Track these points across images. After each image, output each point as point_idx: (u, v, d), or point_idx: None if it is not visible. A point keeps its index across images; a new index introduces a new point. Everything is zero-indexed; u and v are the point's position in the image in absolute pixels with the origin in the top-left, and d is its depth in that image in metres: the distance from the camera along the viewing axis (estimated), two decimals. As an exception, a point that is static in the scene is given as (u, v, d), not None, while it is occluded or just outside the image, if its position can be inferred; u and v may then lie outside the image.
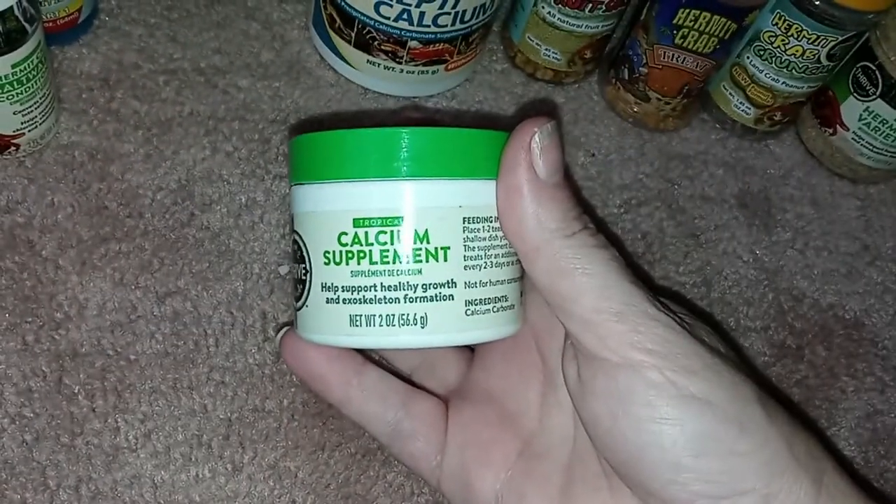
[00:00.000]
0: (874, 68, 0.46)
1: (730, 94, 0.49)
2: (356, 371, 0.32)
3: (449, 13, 0.42)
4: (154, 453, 0.36)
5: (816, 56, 0.46)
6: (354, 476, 0.37)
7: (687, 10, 0.44)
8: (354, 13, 0.43)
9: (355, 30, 0.43)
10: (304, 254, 0.28)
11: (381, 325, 0.27)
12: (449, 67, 0.45)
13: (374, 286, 0.27)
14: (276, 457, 0.37)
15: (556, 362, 0.31)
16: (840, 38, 0.45)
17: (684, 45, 0.45)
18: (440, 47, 0.44)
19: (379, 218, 0.27)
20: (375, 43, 0.43)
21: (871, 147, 0.49)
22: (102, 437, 0.36)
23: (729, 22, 0.44)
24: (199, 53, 0.46)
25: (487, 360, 0.33)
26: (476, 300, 0.27)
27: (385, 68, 0.45)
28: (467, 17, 0.43)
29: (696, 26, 0.44)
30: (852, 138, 0.49)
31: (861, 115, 0.48)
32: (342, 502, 0.36)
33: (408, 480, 0.37)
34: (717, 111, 0.51)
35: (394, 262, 0.27)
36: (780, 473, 0.26)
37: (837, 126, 0.50)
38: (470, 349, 0.35)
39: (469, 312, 0.27)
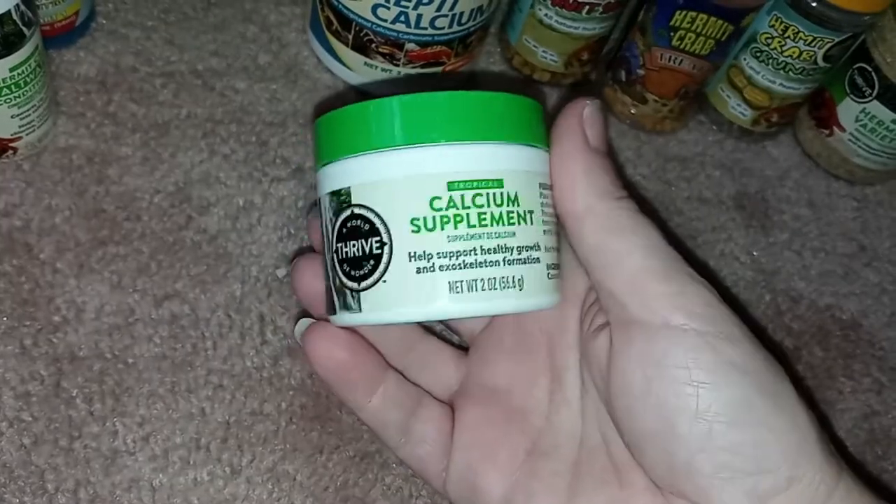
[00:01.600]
0: (870, 70, 0.47)
1: (727, 95, 0.50)
2: (381, 377, 0.31)
3: (446, 15, 0.42)
4: (152, 457, 0.36)
5: (813, 57, 0.46)
6: (353, 479, 0.37)
7: (684, 12, 0.44)
8: (351, 16, 0.43)
9: (352, 32, 0.43)
10: (379, 225, 0.26)
11: (483, 290, 0.26)
12: (446, 69, 0.45)
13: (474, 250, 0.26)
14: (275, 460, 0.37)
15: (565, 359, 0.31)
16: (836, 40, 0.45)
17: (681, 46, 0.45)
18: (437, 49, 0.44)
19: (475, 180, 0.26)
20: (373, 45, 0.43)
21: (867, 148, 0.49)
22: (100, 440, 0.36)
23: (726, 24, 0.44)
24: (196, 56, 0.46)
25: (489, 357, 0.33)
26: (552, 265, 0.28)
27: (382, 70, 0.45)
28: (464, 20, 0.43)
29: (692, 28, 0.44)
30: (849, 139, 0.49)
31: (857, 116, 0.48)
32: (341, 505, 0.37)
33: (406, 483, 0.37)
34: (715, 113, 0.51)
35: (491, 225, 0.26)
36: (807, 460, 0.26)
37: (834, 127, 0.50)
38: (464, 347, 0.35)
39: (550, 276, 0.28)
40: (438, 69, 0.45)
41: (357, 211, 0.27)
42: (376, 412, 0.31)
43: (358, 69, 0.45)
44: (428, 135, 0.26)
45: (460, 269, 0.26)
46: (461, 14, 0.42)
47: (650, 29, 0.45)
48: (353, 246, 0.27)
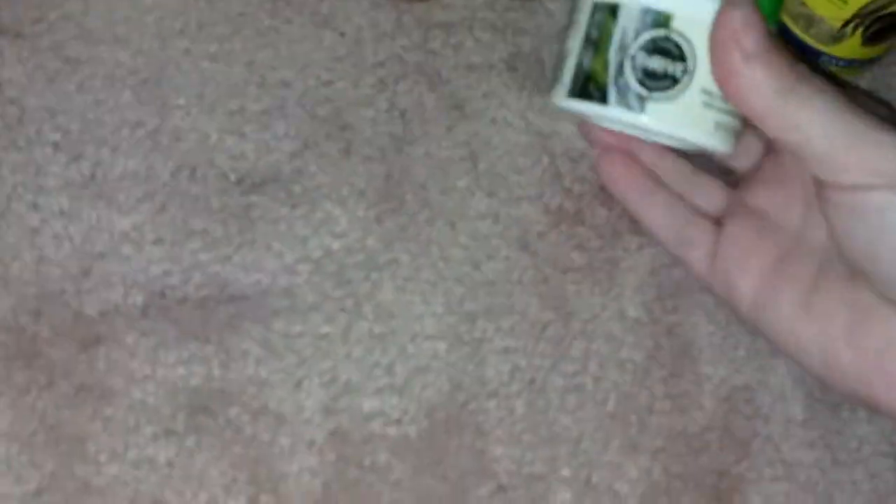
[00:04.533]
0: None
1: (485, -51, 0.45)
2: (657, 186, 0.39)
3: None
4: None
5: None
6: (68, 416, 0.33)
7: None
8: None
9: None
10: (689, 55, 0.31)
11: (724, 132, 0.33)
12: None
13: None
14: (-26, 408, 0.33)
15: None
16: None
17: None
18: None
19: None
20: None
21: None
22: None
23: None
24: None
25: (752, 186, 0.38)
26: None
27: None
28: None
29: None
30: (620, -18, 0.46)
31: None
32: (54, 448, 0.33)
33: (132, 412, 0.34)
34: (477, -30, 0.47)
35: None
36: None
37: (604, -29, 0.46)
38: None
39: None
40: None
41: (674, 37, 0.31)
42: (657, 216, 0.39)
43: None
44: None
45: (724, 113, 0.32)
46: None
47: None
48: (657, 62, 0.32)
